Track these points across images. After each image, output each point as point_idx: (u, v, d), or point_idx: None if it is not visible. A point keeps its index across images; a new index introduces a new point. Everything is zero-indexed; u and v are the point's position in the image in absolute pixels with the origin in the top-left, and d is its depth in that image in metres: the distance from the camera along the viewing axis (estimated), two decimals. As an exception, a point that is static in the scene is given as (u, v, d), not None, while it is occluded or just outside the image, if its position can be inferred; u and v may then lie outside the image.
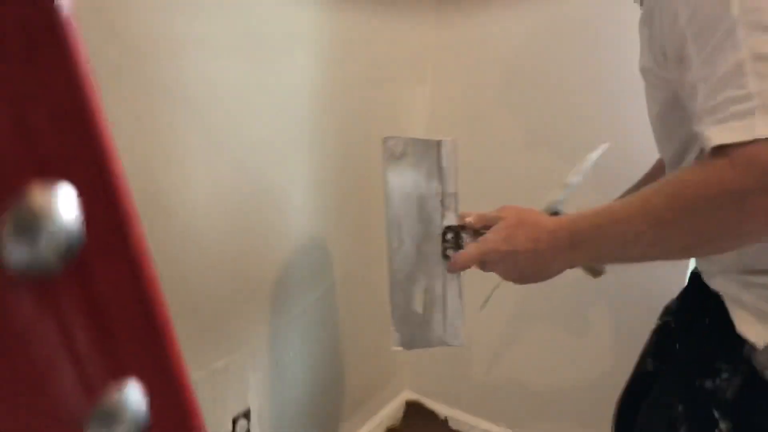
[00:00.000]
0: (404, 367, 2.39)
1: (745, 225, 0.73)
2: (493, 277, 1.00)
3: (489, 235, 0.95)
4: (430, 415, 2.37)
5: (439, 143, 1.06)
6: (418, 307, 1.04)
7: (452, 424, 2.32)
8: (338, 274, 1.90)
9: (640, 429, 1.10)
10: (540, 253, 0.90)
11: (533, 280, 0.93)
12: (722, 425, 0.91)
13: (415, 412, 2.39)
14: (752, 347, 0.88)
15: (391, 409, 2.37)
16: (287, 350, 1.76)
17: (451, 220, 1.05)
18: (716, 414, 0.92)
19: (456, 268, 1.02)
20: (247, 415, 1.65)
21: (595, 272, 1.25)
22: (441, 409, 2.35)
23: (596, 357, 1.88)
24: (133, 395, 0.37)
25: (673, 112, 0.94)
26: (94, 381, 0.35)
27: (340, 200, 1.81)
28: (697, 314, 1.05)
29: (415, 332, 1.05)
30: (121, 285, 0.35)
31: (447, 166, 1.06)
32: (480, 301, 1.36)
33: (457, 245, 1.03)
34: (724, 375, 0.92)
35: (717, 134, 0.73)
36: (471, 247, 0.97)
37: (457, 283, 1.05)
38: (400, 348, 1.04)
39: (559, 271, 0.91)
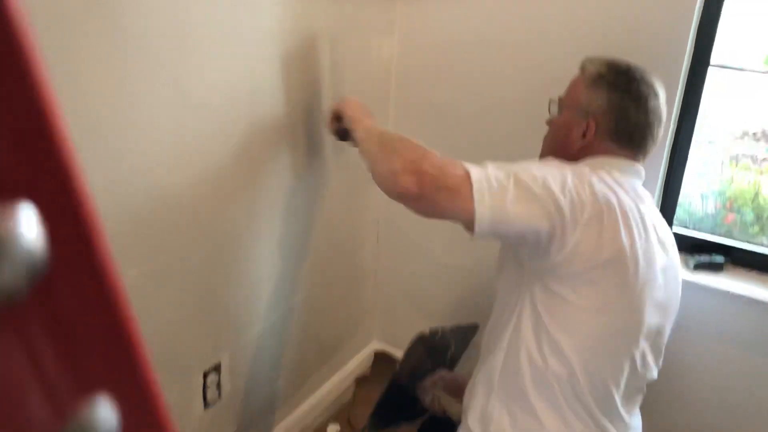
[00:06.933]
0: (372, 318, 2.44)
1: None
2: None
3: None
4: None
5: None
6: None
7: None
8: (308, 225, 1.91)
9: None
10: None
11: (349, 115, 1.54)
12: None
13: (383, 361, 2.45)
14: None
15: (360, 359, 2.42)
16: (257, 305, 1.79)
17: None
18: None
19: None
20: (217, 368, 1.68)
21: None
22: (408, 358, 2.40)
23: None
24: (104, 411, 0.36)
25: None
26: (64, 399, 0.34)
27: (306, 144, 1.82)
28: None
29: None
30: (89, 304, 0.34)
31: None
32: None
33: None
34: None
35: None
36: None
37: None
38: None
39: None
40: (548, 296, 1.33)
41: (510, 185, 1.21)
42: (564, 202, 1.22)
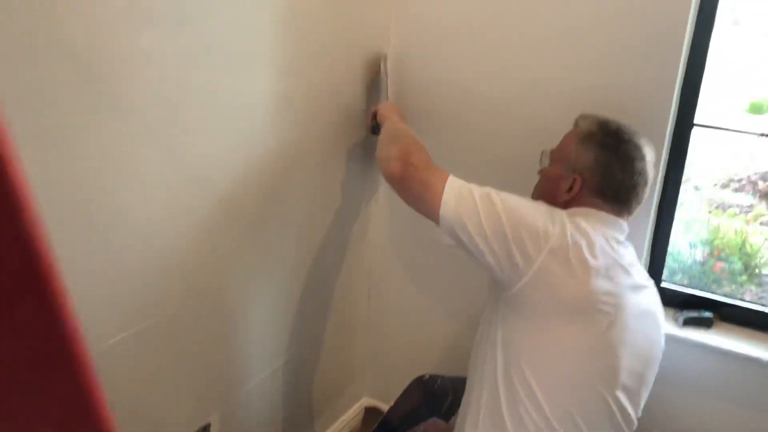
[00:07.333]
0: (363, 374, 2.43)
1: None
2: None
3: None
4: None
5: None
6: None
7: (410, 428, 2.35)
8: (299, 282, 1.91)
9: None
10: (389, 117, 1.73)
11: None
12: None
13: (373, 417, 2.43)
14: None
15: (351, 416, 2.40)
16: (247, 363, 1.78)
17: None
18: None
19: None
20: (207, 429, 1.67)
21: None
22: (399, 413, 2.38)
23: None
24: None
25: None
26: None
27: (296, 202, 1.83)
28: None
29: None
30: None
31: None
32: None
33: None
34: None
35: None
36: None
37: None
38: None
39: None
40: (518, 334, 1.37)
41: (479, 199, 1.35)
42: (525, 229, 1.32)
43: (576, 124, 1.55)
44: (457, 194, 1.36)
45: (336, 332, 2.17)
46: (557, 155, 1.55)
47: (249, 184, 1.59)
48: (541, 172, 1.60)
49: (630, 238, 1.76)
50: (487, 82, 1.93)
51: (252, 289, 1.72)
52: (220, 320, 1.63)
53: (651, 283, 1.51)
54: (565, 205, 1.46)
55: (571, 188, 1.47)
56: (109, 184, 1.23)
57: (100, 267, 1.26)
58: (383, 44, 2.01)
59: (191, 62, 1.34)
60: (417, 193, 1.42)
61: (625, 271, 1.39)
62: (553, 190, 1.51)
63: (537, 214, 1.36)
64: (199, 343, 1.58)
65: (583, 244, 1.32)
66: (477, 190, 1.38)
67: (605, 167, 1.45)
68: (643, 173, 1.46)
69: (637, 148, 1.46)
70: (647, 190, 1.50)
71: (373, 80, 1.96)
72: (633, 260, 1.46)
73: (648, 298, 1.47)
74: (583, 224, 1.37)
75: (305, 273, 1.93)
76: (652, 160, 1.49)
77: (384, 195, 2.19)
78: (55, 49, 1.07)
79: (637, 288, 1.42)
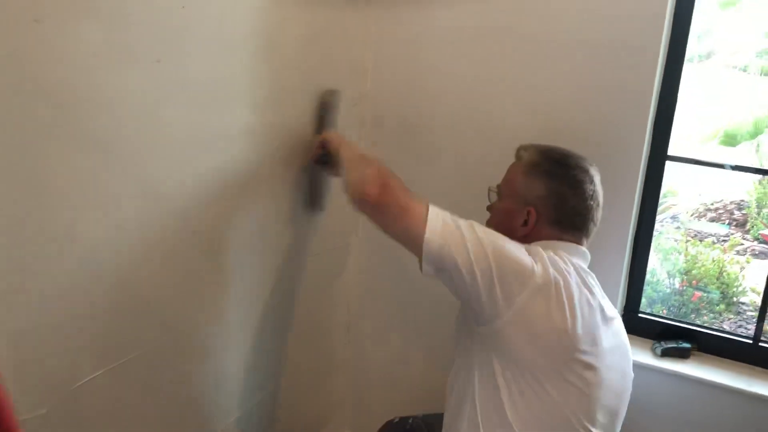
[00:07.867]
0: (344, 409, 2.41)
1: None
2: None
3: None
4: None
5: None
6: None
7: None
8: (277, 318, 1.90)
9: None
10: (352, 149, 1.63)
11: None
12: None
13: (355, 451, 2.41)
14: None
15: (332, 450, 2.38)
16: (224, 400, 1.76)
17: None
18: None
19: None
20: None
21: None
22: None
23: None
24: None
25: None
26: None
27: (275, 235, 1.83)
28: None
29: None
30: None
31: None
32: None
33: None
34: None
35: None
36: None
37: None
38: None
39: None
40: (496, 377, 1.35)
41: (465, 228, 1.31)
42: (510, 265, 1.30)
43: (518, 156, 1.54)
44: (442, 222, 1.31)
45: (315, 368, 2.16)
46: (505, 190, 1.53)
47: (225, 218, 1.59)
48: (490, 208, 1.58)
49: (607, 269, 1.78)
50: (462, 118, 1.96)
51: (229, 325, 1.70)
52: (196, 357, 1.61)
53: (617, 313, 1.51)
54: (523, 240, 1.43)
55: (526, 222, 1.46)
56: (82, 218, 1.22)
57: (72, 303, 1.24)
58: (361, 81, 2.04)
59: (167, 99, 1.34)
60: (396, 217, 1.35)
61: (598, 305, 1.38)
62: (508, 226, 1.47)
63: (520, 250, 1.34)
64: (175, 380, 1.56)
65: (561, 282, 1.32)
66: (460, 220, 1.34)
67: (557, 196, 1.45)
68: (594, 196, 1.47)
69: (585, 172, 1.46)
70: (601, 211, 1.50)
71: (323, 112, 1.87)
72: (600, 292, 1.45)
73: (617, 330, 1.47)
74: (557, 259, 1.36)
75: (283, 308, 1.92)
76: (599, 181, 1.50)
77: (363, 230, 2.19)
78: (30, 85, 1.07)
79: (607, 321, 1.41)
